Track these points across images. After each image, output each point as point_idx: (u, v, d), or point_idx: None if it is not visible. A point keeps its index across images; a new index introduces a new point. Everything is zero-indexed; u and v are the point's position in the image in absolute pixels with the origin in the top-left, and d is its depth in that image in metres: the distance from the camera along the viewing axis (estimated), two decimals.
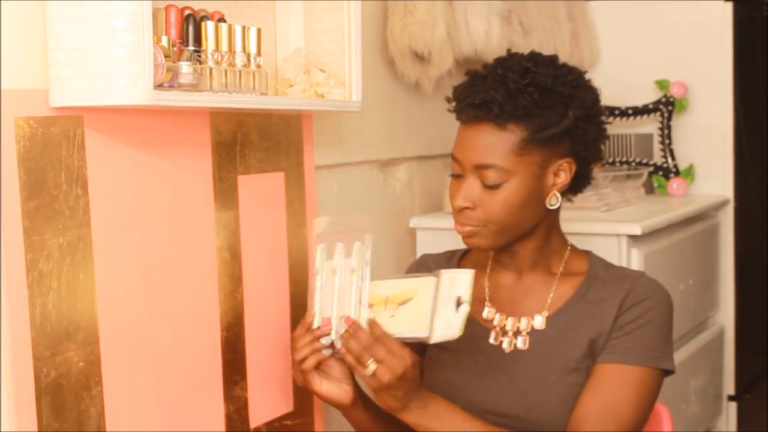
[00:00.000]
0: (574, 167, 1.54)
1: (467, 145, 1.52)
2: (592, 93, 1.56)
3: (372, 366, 1.42)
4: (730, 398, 2.98)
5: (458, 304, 1.43)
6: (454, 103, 1.56)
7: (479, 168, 1.50)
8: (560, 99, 1.50)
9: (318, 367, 1.52)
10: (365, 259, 1.50)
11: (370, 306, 1.48)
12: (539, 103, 1.48)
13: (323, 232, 1.54)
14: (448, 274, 1.45)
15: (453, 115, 1.59)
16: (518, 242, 1.57)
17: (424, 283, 1.47)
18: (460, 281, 1.44)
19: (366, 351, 1.42)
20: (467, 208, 1.52)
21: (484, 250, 1.62)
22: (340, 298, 1.50)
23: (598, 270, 1.60)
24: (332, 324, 1.49)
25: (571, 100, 1.51)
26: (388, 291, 1.49)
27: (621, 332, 1.52)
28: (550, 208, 1.55)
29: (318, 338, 1.50)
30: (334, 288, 1.50)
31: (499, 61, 1.55)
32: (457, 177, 1.55)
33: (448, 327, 1.43)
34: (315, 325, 1.51)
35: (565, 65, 1.55)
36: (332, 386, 1.54)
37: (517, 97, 1.47)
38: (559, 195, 1.55)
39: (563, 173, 1.54)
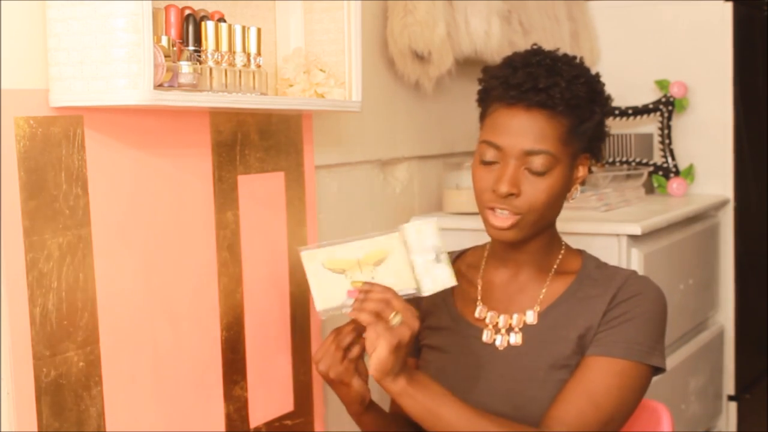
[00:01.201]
0: (588, 163, 1.59)
1: (516, 131, 1.51)
2: (608, 93, 1.62)
3: (398, 317, 1.38)
4: (730, 398, 2.98)
5: (436, 255, 1.44)
6: (498, 90, 1.53)
7: (529, 154, 1.50)
8: (592, 95, 1.55)
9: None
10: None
11: (343, 271, 1.46)
12: (584, 96, 1.53)
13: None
14: (412, 227, 1.45)
15: (453, 115, 1.60)
16: (531, 238, 1.57)
17: (390, 239, 1.46)
18: (426, 231, 1.44)
19: (387, 306, 1.39)
20: (512, 194, 1.51)
21: (514, 244, 1.58)
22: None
23: (590, 269, 1.60)
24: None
25: (599, 97, 1.56)
26: (357, 253, 1.47)
27: (608, 326, 1.52)
28: (571, 201, 1.59)
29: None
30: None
31: (537, 52, 1.57)
32: (490, 165, 1.53)
33: (435, 278, 1.45)
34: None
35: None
36: (361, 383, 1.53)
37: (572, 86, 1.51)
38: (579, 188, 1.59)
39: (582, 167, 1.58)
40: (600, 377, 1.49)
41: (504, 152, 1.52)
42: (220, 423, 1.66)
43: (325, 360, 1.50)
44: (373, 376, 1.41)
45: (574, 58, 1.59)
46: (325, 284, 1.47)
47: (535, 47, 1.60)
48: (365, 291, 1.41)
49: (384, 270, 1.45)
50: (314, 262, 1.47)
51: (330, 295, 1.47)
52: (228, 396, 1.68)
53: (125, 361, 1.48)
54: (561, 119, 1.51)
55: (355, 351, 1.50)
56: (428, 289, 1.46)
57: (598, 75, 1.60)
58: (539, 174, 1.50)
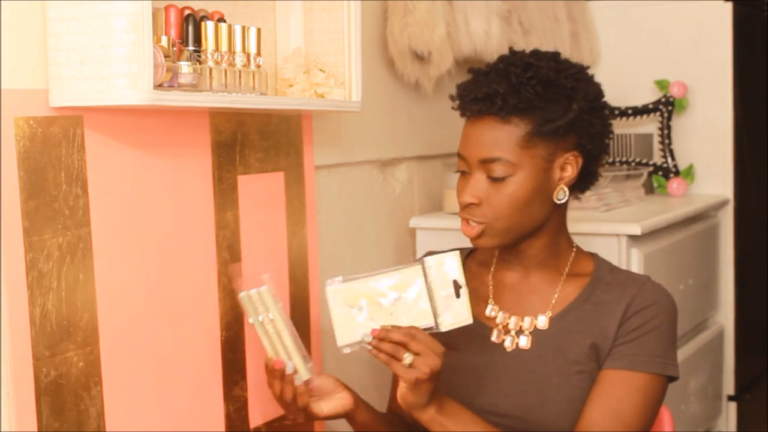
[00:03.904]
0: (580, 161, 1.54)
1: (472, 141, 1.52)
2: (595, 86, 1.57)
3: (409, 358, 1.40)
4: (730, 398, 2.98)
5: (456, 288, 1.43)
6: (458, 101, 1.56)
7: (485, 162, 1.50)
8: (563, 92, 1.51)
9: (310, 395, 1.55)
10: (273, 305, 1.51)
11: (362, 307, 1.47)
12: (542, 96, 1.49)
13: (239, 281, 1.58)
14: (433, 260, 1.45)
15: (453, 115, 1.60)
16: (526, 240, 1.56)
17: (411, 273, 1.45)
18: (449, 264, 1.44)
19: (402, 347, 1.40)
20: (473, 204, 1.51)
21: (492, 249, 1.61)
22: (283, 342, 1.52)
23: (603, 272, 1.59)
24: (292, 361, 1.50)
25: (574, 92, 1.51)
26: (378, 288, 1.47)
27: (627, 338, 1.52)
28: (558, 202, 1.54)
29: (282, 375, 1.51)
30: (273, 335, 1.52)
31: (502, 58, 1.56)
32: (464, 174, 1.55)
33: (455, 314, 1.44)
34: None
35: (567, 60, 1.57)
36: (332, 403, 1.56)
37: (520, 90, 1.48)
38: (566, 189, 1.54)
39: (570, 167, 1.54)
40: (624, 393, 1.49)
41: (467, 162, 1.53)
42: (220, 423, 1.66)
43: (289, 414, 1.54)
44: (402, 406, 1.45)
45: (550, 56, 1.55)
46: (346, 320, 1.46)
47: (511, 51, 1.58)
48: (385, 331, 1.42)
49: (402, 304, 1.45)
50: (338, 297, 1.47)
51: (350, 332, 1.46)
52: (228, 396, 1.68)
53: (125, 361, 1.48)
54: (517, 122, 1.49)
55: (302, 399, 1.51)
56: (447, 325, 1.45)
57: (578, 70, 1.55)
58: (498, 181, 1.50)
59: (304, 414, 1.54)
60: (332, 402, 1.56)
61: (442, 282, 1.44)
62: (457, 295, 1.43)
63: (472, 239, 1.55)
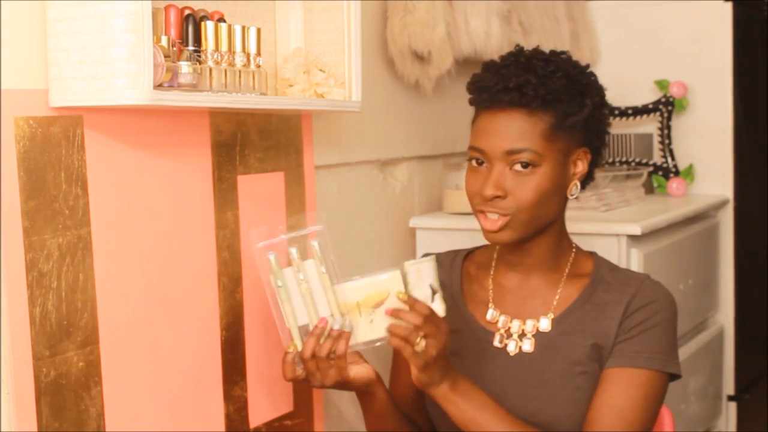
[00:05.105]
0: (589, 157, 1.57)
1: (495, 133, 1.51)
2: (600, 84, 1.60)
3: (423, 342, 1.43)
4: (730, 398, 2.98)
5: (433, 292, 1.50)
6: (483, 94, 1.54)
7: (511, 154, 1.50)
8: (579, 88, 1.53)
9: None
10: (330, 257, 1.54)
11: (342, 315, 1.52)
12: (566, 90, 1.51)
13: (266, 243, 1.56)
14: (412, 266, 1.50)
15: (453, 115, 1.60)
16: (534, 239, 1.56)
17: (391, 280, 1.50)
18: (425, 270, 1.50)
19: (415, 330, 1.43)
20: (498, 196, 1.51)
21: (509, 244, 1.58)
22: (318, 299, 1.53)
23: (603, 272, 1.59)
24: (330, 321, 1.52)
25: (588, 89, 1.54)
26: (357, 295, 1.52)
27: (628, 335, 1.52)
28: (570, 197, 1.56)
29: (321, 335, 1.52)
30: (305, 293, 1.53)
31: (516, 52, 1.57)
32: (479, 169, 1.54)
33: None
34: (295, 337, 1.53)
35: (571, 58, 1.59)
36: (359, 368, 1.56)
37: (547, 81, 1.50)
38: (579, 184, 1.56)
39: (581, 162, 1.56)
40: (625, 390, 1.49)
41: (488, 155, 1.52)
42: (220, 423, 1.66)
43: (315, 376, 1.53)
44: (417, 385, 1.48)
45: (559, 53, 1.57)
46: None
47: (517, 48, 1.59)
48: (396, 314, 1.46)
49: (383, 311, 1.50)
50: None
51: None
52: (228, 396, 1.68)
53: (125, 361, 1.48)
54: (541, 116, 1.49)
55: (340, 347, 1.51)
56: None
57: (586, 67, 1.58)
58: (524, 173, 1.50)
59: (335, 372, 1.52)
60: (359, 368, 1.56)
61: (419, 286, 1.50)
62: (432, 300, 1.49)
63: (492, 233, 1.53)
